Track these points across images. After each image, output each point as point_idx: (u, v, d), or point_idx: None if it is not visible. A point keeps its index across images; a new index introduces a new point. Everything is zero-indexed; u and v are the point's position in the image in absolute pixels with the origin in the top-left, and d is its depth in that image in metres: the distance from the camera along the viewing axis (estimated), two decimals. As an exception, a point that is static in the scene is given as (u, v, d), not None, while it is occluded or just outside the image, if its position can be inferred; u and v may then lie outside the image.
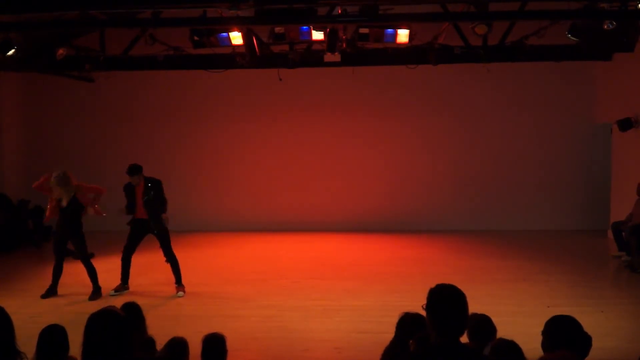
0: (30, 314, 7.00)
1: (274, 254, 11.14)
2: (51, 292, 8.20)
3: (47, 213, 8.28)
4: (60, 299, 8.10)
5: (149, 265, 9.34)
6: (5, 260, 10.86)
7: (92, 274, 8.23)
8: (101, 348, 2.85)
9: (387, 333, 4.26)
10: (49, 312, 7.29)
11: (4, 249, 11.36)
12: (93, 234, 9.07)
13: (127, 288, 8.40)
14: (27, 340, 3.39)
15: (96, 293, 8.16)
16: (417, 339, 3.75)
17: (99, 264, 8.42)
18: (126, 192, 8.42)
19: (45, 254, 11.49)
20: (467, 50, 10.00)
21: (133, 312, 4.55)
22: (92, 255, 9.90)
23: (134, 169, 8.26)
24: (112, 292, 8.22)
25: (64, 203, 8.08)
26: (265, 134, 13.62)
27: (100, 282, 8.27)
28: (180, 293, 8.25)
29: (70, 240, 8.26)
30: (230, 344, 4.41)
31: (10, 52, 8.39)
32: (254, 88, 13.31)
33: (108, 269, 8.50)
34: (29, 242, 11.94)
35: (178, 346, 4.27)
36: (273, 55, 10.22)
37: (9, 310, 3.17)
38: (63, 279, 8.34)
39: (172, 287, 8.38)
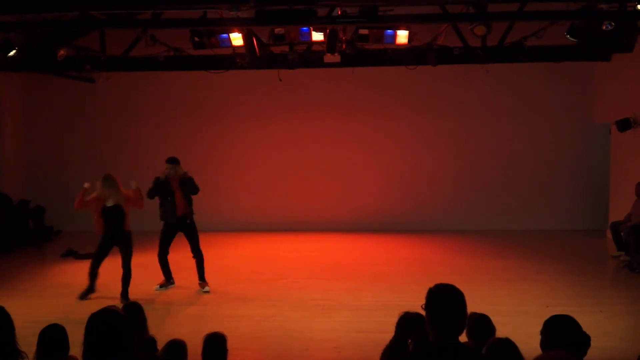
0: (30, 314, 6.99)
1: (274, 254, 11.15)
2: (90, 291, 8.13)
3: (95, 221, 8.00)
4: (60, 299, 8.11)
5: (150, 266, 9.35)
6: (5, 260, 10.85)
7: (127, 279, 8.02)
8: (101, 348, 2.87)
9: (387, 333, 4.26)
10: (49, 312, 7.28)
11: (4, 249, 11.35)
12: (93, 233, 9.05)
13: (173, 283, 8.59)
14: (27, 340, 3.40)
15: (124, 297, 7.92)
16: (416, 337, 3.75)
17: (104, 264, 8.29)
18: (158, 184, 8.27)
19: (46, 254, 11.52)
20: (466, 51, 10.01)
21: (134, 312, 4.56)
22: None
23: (176, 159, 8.37)
24: (157, 287, 8.43)
25: (110, 203, 7.95)
26: (265, 134, 13.63)
27: (101, 282, 8.23)
28: (207, 288, 8.40)
29: (117, 243, 8.11)
30: (230, 343, 4.43)
31: (11, 53, 8.39)
32: (254, 89, 13.32)
33: (111, 269, 8.48)
34: (29, 242, 11.94)
35: (176, 349, 4.27)
36: (273, 56, 10.23)
37: (9, 310, 3.19)
38: (63, 279, 8.34)
39: (173, 287, 8.43)
